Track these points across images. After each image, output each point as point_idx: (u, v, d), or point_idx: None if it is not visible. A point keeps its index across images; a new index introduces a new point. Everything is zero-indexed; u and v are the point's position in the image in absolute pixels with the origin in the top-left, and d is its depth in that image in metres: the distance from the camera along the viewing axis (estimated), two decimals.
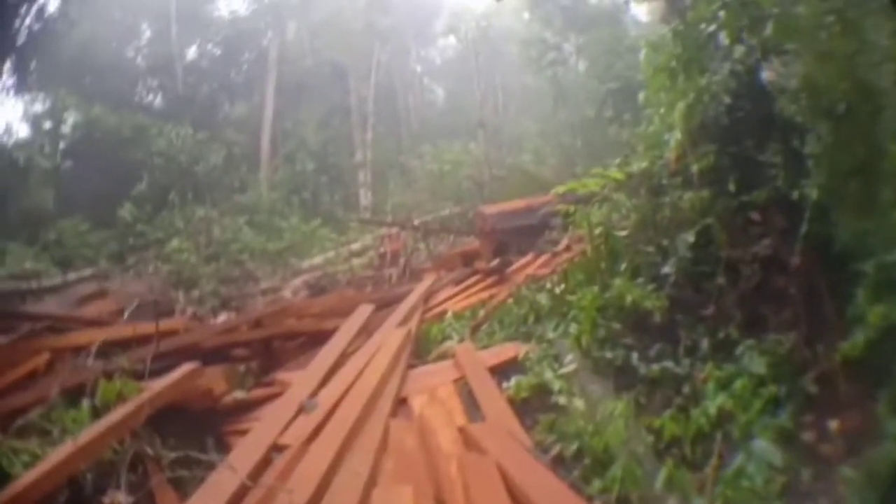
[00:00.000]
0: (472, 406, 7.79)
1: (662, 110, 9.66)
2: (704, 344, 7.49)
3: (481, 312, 11.63)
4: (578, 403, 7.38)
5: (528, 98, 35.68)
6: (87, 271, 20.93)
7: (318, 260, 22.42)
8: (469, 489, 5.58)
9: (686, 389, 7.09)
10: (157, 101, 34.29)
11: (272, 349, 10.98)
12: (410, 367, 9.43)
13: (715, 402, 6.46)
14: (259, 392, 8.87)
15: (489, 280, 13.75)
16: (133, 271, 22.04)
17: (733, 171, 7.98)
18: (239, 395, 8.48)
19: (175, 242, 22.68)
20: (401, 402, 8.10)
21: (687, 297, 8.11)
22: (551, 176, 24.94)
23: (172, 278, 20.43)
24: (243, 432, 7.49)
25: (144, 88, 34.35)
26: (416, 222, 21.33)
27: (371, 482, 5.84)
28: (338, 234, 24.69)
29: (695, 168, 8.28)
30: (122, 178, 26.61)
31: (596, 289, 8.92)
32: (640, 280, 8.53)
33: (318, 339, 10.49)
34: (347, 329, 10.30)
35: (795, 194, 6.93)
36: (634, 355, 7.91)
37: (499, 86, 37.92)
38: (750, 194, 7.64)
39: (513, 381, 8.27)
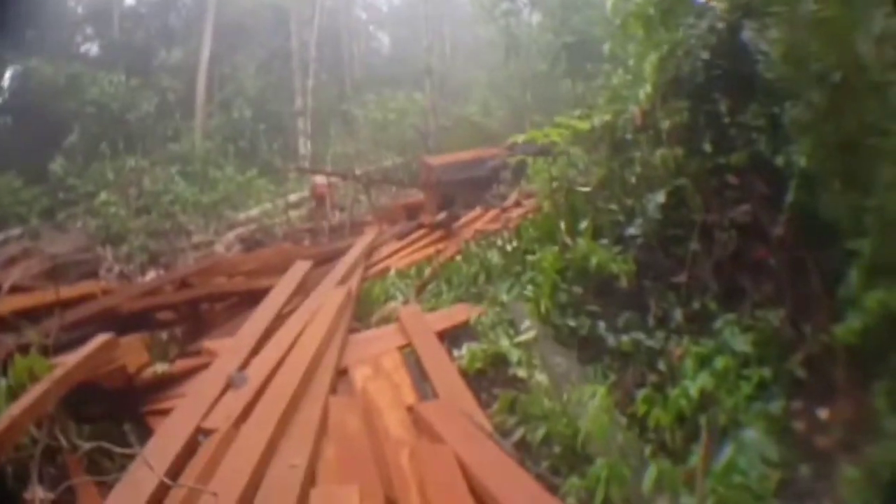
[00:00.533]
0: (420, 379, 6.95)
1: (632, 62, 8.94)
2: (677, 315, 6.82)
3: (427, 270, 10.85)
4: (541, 378, 6.64)
5: (478, 49, 34.72)
6: (16, 230, 19.84)
7: (254, 212, 21.33)
8: (424, 486, 4.74)
9: (661, 365, 6.43)
10: (94, 49, 32.82)
11: (199, 312, 10.03)
12: (351, 332, 8.55)
13: (696, 383, 5.71)
14: (183, 364, 7.81)
15: (435, 235, 12.98)
16: (63, 228, 20.80)
17: (708, 130, 7.29)
18: (160, 368, 7.47)
19: (103, 196, 21.29)
20: (341, 374, 7.20)
21: (656, 261, 7.44)
22: (499, 128, 24.43)
23: (101, 234, 19.26)
24: (165, 412, 6.60)
25: (82, 37, 32.86)
26: (357, 172, 20.09)
27: (309, 478, 4.99)
28: (276, 186, 23.52)
29: (665, 124, 7.60)
30: (56, 131, 25.41)
31: (556, 249, 8.23)
32: (604, 242, 7.80)
33: (251, 299, 9.61)
34: (282, 288, 9.39)
35: (780, 160, 6.35)
36: (601, 324, 7.23)
37: (448, 35, 36.73)
38: (727, 157, 6.98)
39: (464, 348, 7.52)
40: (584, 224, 8.31)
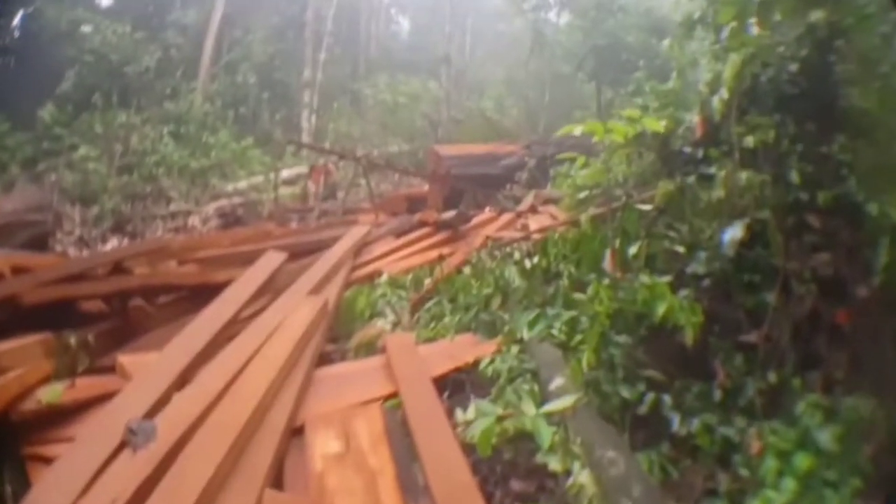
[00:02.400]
0: (408, 461, 4.56)
1: (705, 61, 7.98)
2: (749, 388, 5.17)
3: (427, 281, 8.52)
4: (584, 479, 4.35)
5: (498, 45, 33.57)
6: None
7: (243, 184, 18.89)
8: None
9: (737, 460, 4.76)
10: None
11: (133, 309, 7.47)
12: (321, 360, 6.23)
13: (783, 496, 4.27)
14: (84, 387, 5.38)
15: (439, 236, 10.66)
16: (40, 180, 18.39)
17: (793, 157, 5.88)
18: (48, 396, 5.09)
19: (82, 149, 18.97)
20: (294, 435, 4.83)
21: (723, 312, 5.65)
22: (513, 127, 22.15)
23: (77, 190, 16.92)
24: (48, 460, 4.46)
25: None
26: (359, 154, 17.50)
27: None
28: (272, 158, 20.72)
29: (747, 140, 6.10)
30: (53, 78, 22.84)
31: (605, 283, 5.92)
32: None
33: (201, 296, 7.24)
34: (241, 287, 7.10)
35: (872, 208, 5.29)
36: (666, 399, 5.13)
37: (469, 27, 34.61)
38: (812, 192, 5.63)
39: (472, 409, 5.10)
40: (633, 250, 6.27)
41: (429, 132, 24.48)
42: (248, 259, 8.16)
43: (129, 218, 15.35)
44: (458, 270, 8.71)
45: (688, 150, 7.14)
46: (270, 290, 7.51)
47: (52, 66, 22.95)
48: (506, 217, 11.81)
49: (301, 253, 9.36)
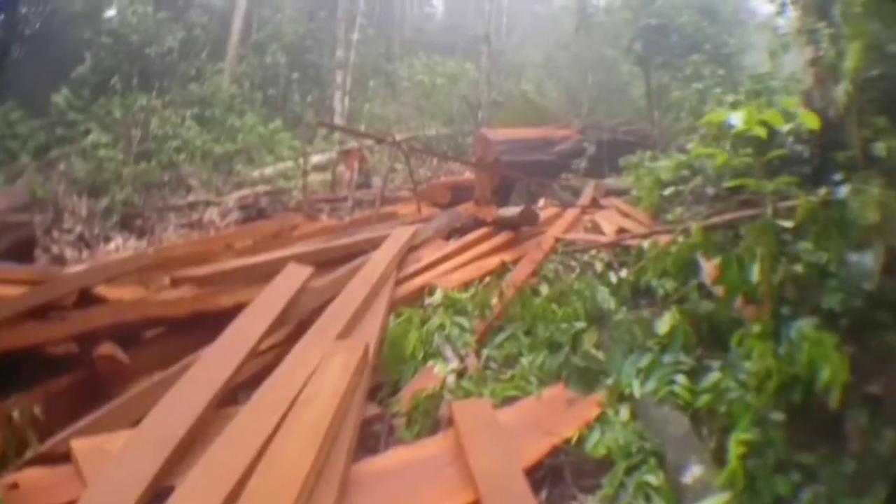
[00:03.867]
0: None
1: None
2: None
3: (494, 301, 6.45)
4: None
5: (536, 26, 32.24)
6: None
7: (269, 170, 16.85)
8: None
9: None
10: None
11: (98, 358, 5.13)
12: (360, 436, 4.23)
13: None
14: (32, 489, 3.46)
15: (499, 238, 8.57)
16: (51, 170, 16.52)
17: None
18: None
19: (94, 135, 17.10)
20: None
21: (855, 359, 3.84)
22: (556, 110, 20.15)
23: (88, 180, 15.02)
24: None
25: None
26: (397, 138, 14.97)
27: None
28: (302, 142, 18.52)
29: (880, 149, 5.01)
30: (68, 62, 20.97)
31: (757, 331, 4.13)
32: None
33: (198, 328, 5.25)
34: (248, 324, 4.99)
35: None
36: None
37: (506, 9, 32.43)
38: None
39: None
40: (754, 274, 4.51)
41: (468, 115, 22.76)
42: (264, 274, 6.15)
43: (140, 211, 13.35)
44: (527, 281, 6.82)
45: (800, 148, 6.08)
46: (290, 319, 5.51)
47: (68, 49, 21.34)
48: (570, 213, 9.84)
49: (332, 261, 7.36)
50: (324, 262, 7.15)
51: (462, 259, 7.85)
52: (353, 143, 16.84)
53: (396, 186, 15.61)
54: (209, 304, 5.79)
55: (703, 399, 4.11)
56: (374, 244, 7.87)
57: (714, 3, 19.78)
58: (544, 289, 6.60)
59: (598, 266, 7.22)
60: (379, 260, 7.07)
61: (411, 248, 8.13)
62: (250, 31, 25.43)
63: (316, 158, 17.59)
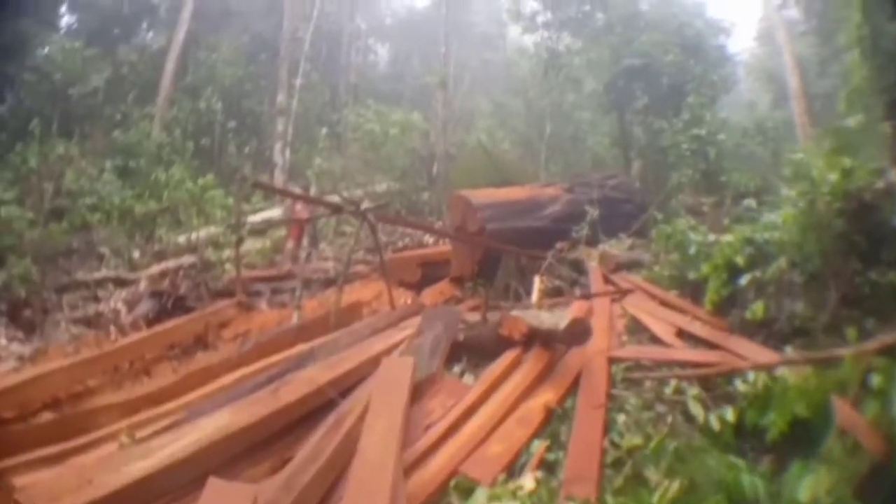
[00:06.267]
0: None
1: None
2: None
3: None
4: None
5: (487, 73, 30.15)
6: None
7: (197, 235, 13.54)
8: None
9: None
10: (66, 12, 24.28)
11: None
12: None
13: None
14: None
15: (530, 363, 5.78)
16: None
17: None
18: None
19: None
20: None
21: None
22: (516, 162, 17.64)
23: None
24: None
25: None
26: (363, 205, 10.78)
27: None
28: (237, 202, 14.83)
29: None
30: None
31: None
32: None
33: None
34: None
35: None
36: None
37: (453, 57, 29.87)
38: None
39: None
40: None
41: (420, 169, 20.09)
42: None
43: (31, 295, 10.17)
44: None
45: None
46: None
47: None
48: (600, 307, 7.25)
49: (280, 431, 4.50)
50: (265, 440, 4.30)
51: (492, 411, 5.08)
52: (301, 207, 13.83)
53: (352, 259, 12.52)
54: None
55: None
56: (350, 383, 5.10)
57: (700, 39, 17.58)
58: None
59: (690, 400, 4.97)
60: (373, 446, 4.13)
61: (414, 392, 5.17)
62: (185, 72, 22.28)
63: (255, 219, 14.59)
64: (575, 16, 19.32)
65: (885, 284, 5.26)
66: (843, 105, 7.25)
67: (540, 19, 20.25)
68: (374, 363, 5.72)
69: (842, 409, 3.72)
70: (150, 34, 24.51)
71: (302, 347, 6.66)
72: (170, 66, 21.62)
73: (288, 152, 21.44)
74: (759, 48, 26.17)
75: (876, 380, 3.61)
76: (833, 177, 5.67)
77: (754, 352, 5.59)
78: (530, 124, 21.79)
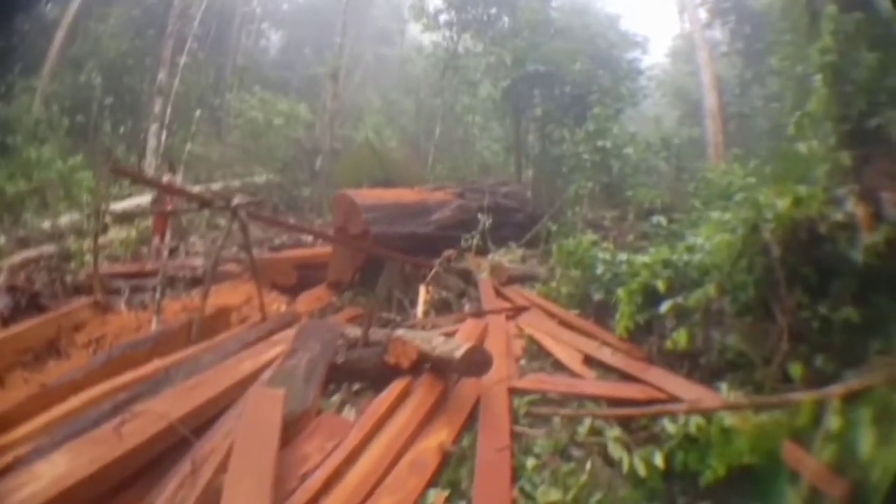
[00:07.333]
0: None
1: None
2: None
3: None
4: None
5: (380, 68, 29.85)
6: None
7: (63, 221, 12.74)
8: None
9: None
10: None
11: None
12: None
13: None
14: None
15: (418, 394, 5.37)
16: None
17: None
18: None
19: None
20: None
21: None
22: (403, 162, 17.35)
23: None
24: None
25: None
26: (236, 200, 10.17)
27: None
28: (100, 188, 14.01)
29: None
30: None
31: None
32: None
33: None
34: None
35: None
36: None
37: (347, 49, 29.34)
38: None
39: None
40: None
41: (302, 162, 19.69)
42: None
43: None
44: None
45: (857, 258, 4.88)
46: None
47: None
48: (496, 324, 7.14)
49: (125, 479, 4.17)
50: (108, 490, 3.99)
51: (379, 455, 4.63)
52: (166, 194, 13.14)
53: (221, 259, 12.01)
54: None
55: None
56: (210, 416, 4.83)
57: (612, 51, 17.86)
58: None
59: (610, 442, 4.70)
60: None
61: (286, 431, 4.68)
62: (74, 44, 21.00)
63: (120, 206, 13.87)
64: (480, 17, 19.05)
65: (838, 321, 4.93)
66: (792, 129, 7.04)
67: (443, 18, 19.88)
68: (238, 388, 5.31)
69: (792, 452, 3.70)
70: (49, 4, 23.11)
71: (158, 364, 6.29)
72: (59, 35, 20.36)
73: (164, 135, 20.46)
74: (670, 65, 26.46)
75: (834, 422, 3.53)
76: (782, 203, 5.36)
77: (679, 386, 5.29)
78: (420, 124, 21.90)
